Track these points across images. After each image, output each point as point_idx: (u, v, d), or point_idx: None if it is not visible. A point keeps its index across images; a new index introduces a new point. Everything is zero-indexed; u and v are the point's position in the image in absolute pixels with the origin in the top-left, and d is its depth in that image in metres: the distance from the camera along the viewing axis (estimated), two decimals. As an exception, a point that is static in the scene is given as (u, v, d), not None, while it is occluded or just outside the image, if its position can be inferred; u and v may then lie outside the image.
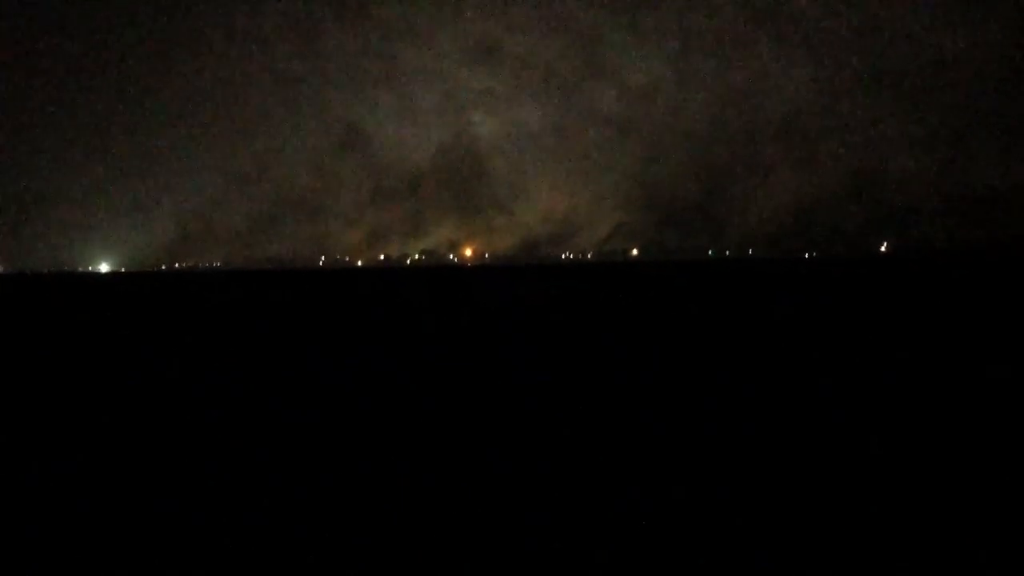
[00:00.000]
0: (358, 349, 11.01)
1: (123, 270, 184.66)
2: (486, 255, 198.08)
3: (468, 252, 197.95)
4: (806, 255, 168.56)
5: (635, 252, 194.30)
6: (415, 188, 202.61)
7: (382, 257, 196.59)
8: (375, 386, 7.69)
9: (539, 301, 21.66)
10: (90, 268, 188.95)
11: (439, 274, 75.05)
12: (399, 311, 19.73)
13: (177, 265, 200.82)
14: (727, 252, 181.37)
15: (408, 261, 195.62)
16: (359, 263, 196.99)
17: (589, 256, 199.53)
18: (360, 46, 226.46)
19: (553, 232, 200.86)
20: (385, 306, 22.40)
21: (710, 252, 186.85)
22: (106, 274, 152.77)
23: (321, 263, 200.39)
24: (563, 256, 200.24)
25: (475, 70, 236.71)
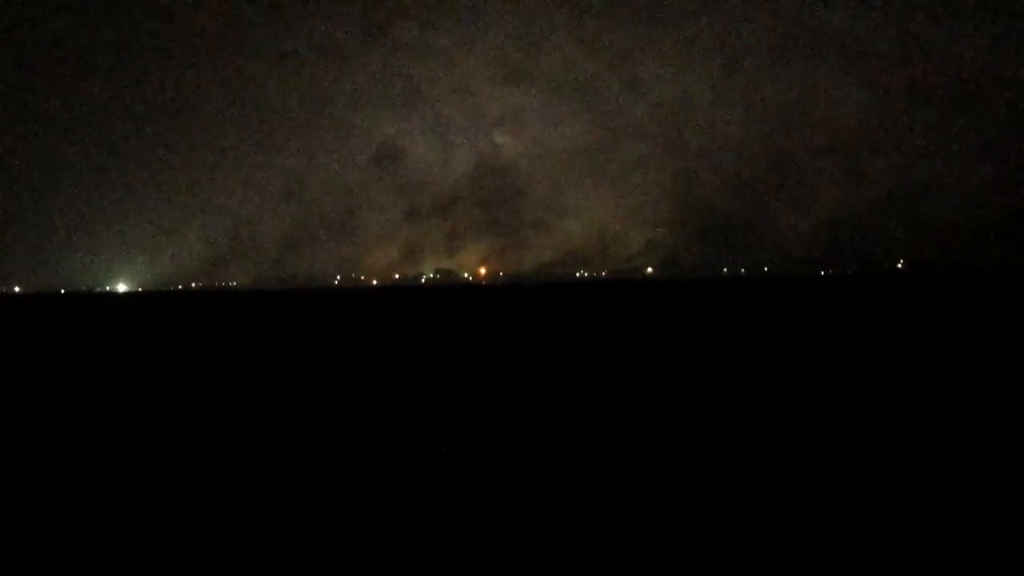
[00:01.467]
0: (348, 363, 11.38)
1: (140, 290, 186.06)
2: (500, 274, 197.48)
3: (483, 271, 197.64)
4: (826, 271, 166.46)
5: (650, 270, 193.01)
6: (447, 206, 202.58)
7: (396, 276, 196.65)
8: (371, 394, 7.99)
9: (540, 318, 23.04)
10: (107, 288, 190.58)
11: (446, 293, 75.74)
12: (400, 328, 19.95)
13: (194, 285, 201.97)
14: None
15: (423, 280, 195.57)
16: (373, 282, 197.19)
17: (604, 274, 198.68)
18: (383, 67, 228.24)
19: (585, 248, 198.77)
20: (388, 322, 22.98)
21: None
22: (123, 294, 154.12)
23: (336, 282, 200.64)
24: (578, 275, 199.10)
25: (504, 88, 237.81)
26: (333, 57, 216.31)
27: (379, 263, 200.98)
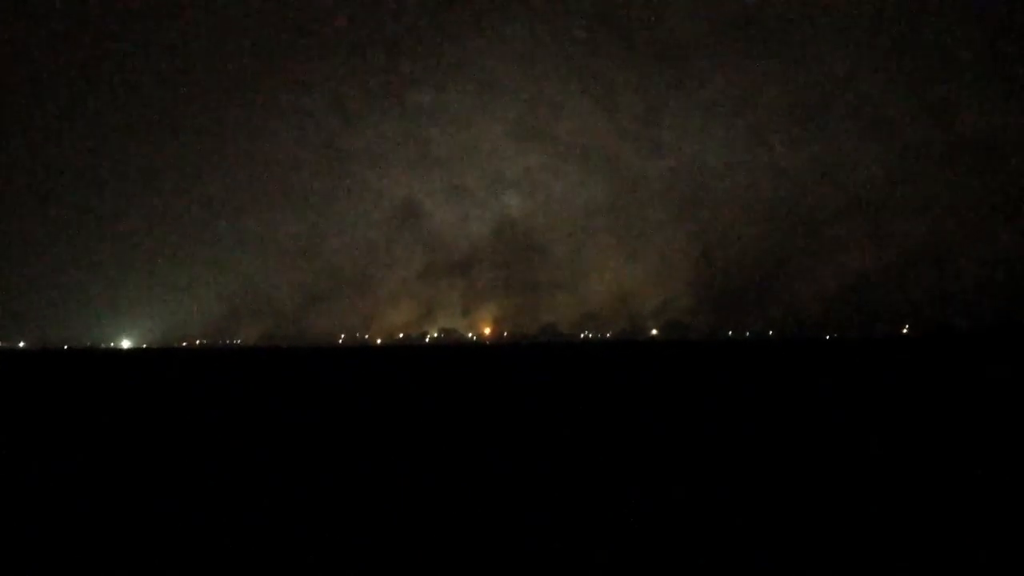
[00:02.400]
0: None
1: (144, 346, 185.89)
2: (505, 334, 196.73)
3: (487, 331, 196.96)
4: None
5: (655, 332, 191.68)
6: (466, 265, 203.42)
7: (400, 336, 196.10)
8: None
9: (538, 379, 22.33)
10: (112, 344, 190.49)
11: (444, 353, 75.45)
12: (390, 390, 20.01)
13: (198, 342, 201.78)
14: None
15: (427, 339, 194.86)
16: (378, 341, 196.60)
17: (608, 335, 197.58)
18: (399, 129, 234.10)
19: (601, 309, 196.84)
20: (379, 384, 23.22)
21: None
22: (128, 350, 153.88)
23: (340, 341, 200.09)
24: (582, 336, 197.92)
25: (520, 148, 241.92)
26: (349, 117, 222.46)
27: (394, 321, 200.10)
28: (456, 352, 73.95)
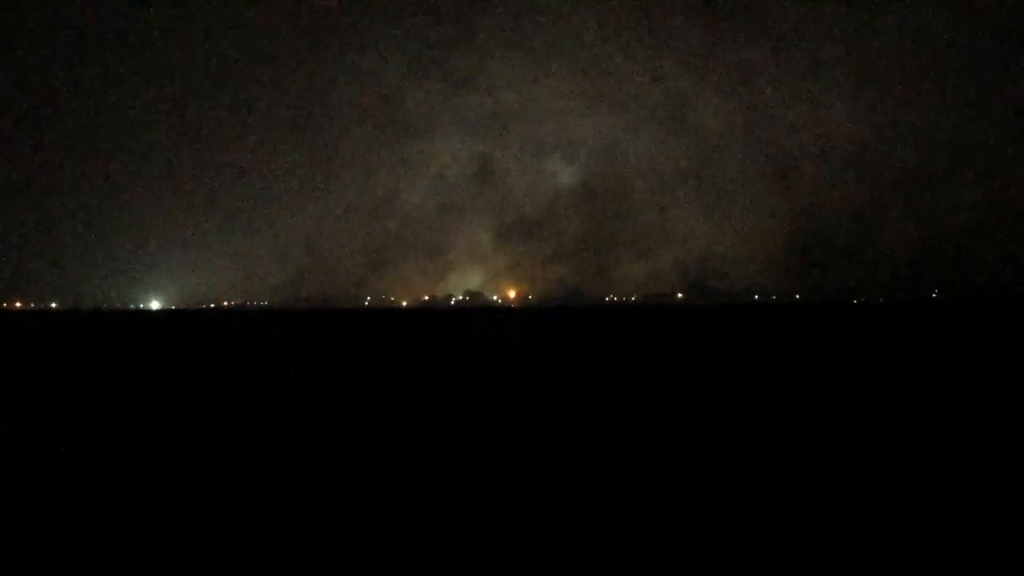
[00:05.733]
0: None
1: (173, 307, 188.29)
2: (530, 296, 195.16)
3: (512, 294, 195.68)
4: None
5: (680, 295, 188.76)
6: (540, 227, 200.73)
7: (426, 298, 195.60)
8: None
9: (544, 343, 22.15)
10: (141, 305, 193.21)
11: (466, 315, 77.67)
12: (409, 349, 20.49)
13: (225, 303, 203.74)
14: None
15: (452, 302, 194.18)
16: (404, 303, 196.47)
17: (634, 299, 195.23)
18: (469, 87, 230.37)
19: (667, 272, 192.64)
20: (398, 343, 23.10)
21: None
22: (156, 311, 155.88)
23: (367, 302, 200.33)
24: (606, 299, 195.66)
25: (594, 110, 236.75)
26: (415, 76, 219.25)
27: (464, 284, 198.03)
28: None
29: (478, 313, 79.64)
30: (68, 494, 4.84)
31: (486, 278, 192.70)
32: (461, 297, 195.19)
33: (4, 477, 5.41)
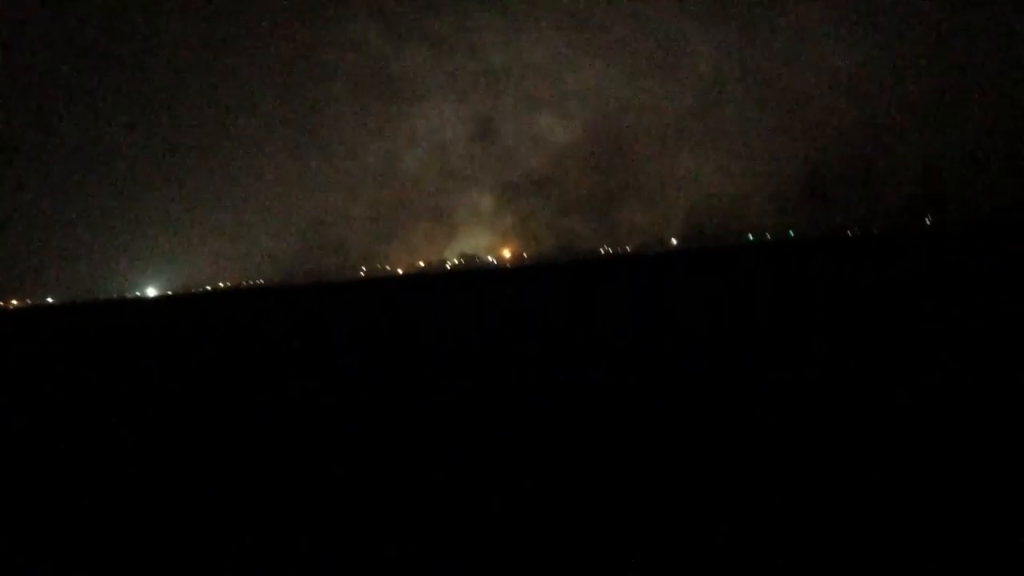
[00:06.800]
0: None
1: (169, 293, 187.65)
2: (524, 255, 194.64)
3: (507, 254, 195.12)
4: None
5: (674, 242, 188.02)
6: (543, 184, 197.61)
7: (421, 264, 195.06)
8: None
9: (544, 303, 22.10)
10: (137, 294, 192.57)
11: (460, 279, 76.88)
12: (401, 321, 20.15)
13: (221, 284, 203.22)
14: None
15: (448, 265, 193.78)
16: (399, 271, 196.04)
17: (628, 249, 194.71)
18: (462, 44, 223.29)
19: (676, 218, 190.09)
20: (395, 316, 22.65)
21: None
22: (154, 298, 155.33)
23: (363, 273, 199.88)
24: (602, 251, 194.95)
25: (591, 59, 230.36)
26: (397, 42, 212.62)
27: (471, 245, 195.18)
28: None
29: (465, 278, 79.04)
30: (70, 485, 4.93)
31: (494, 239, 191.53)
32: (456, 261, 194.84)
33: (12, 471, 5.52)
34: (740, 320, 11.87)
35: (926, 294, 13.22)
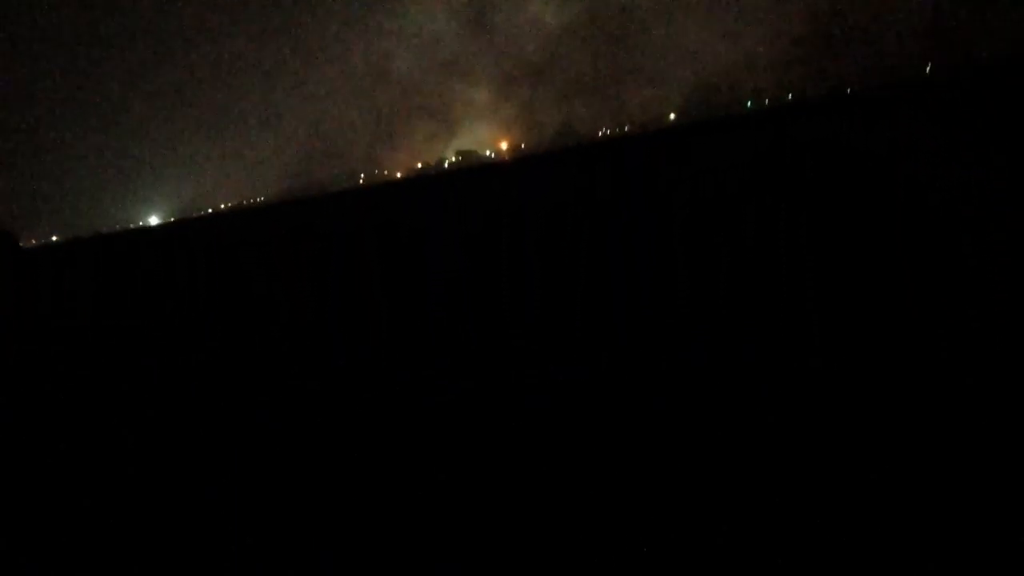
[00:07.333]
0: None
1: (172, 219, 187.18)
2: (522, 146, 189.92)
3: (504, 146, 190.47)
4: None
5: (672, 116, 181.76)
6: (543, 70, 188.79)
7: (419, 165, 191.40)
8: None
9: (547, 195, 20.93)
10: (140, 223, 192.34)
11: (458, 178, 73.26)
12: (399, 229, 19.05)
13: (228, 206, 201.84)
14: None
15: (446, 164, 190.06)
16: (398, 175, 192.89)
17: (627, 129, 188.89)
18: None
19: (679, 93, 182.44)
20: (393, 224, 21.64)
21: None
22: (157, 226, 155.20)
23: (361, 180, 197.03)
24: (600, 133, 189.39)
25: None
26: None
27: (473, 139, 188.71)
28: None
29: (458, 177, 76.77)
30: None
31: (497, 132, 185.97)
32: (453, 159, 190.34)
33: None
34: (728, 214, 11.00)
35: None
